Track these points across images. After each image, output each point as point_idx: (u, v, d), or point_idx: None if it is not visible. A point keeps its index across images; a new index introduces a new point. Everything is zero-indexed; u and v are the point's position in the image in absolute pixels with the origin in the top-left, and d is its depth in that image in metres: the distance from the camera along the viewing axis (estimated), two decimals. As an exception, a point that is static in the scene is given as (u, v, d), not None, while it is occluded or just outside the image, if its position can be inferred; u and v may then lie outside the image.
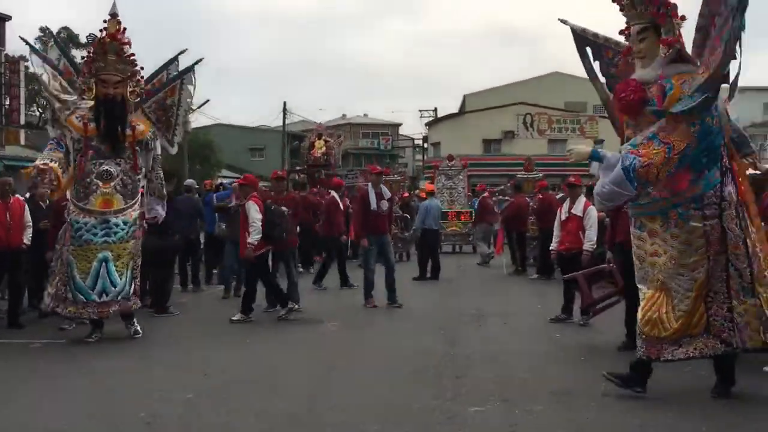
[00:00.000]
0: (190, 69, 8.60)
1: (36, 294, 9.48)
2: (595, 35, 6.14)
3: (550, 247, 9.40)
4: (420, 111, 54.63)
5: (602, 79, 6.26)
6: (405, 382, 5.95)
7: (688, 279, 5.18)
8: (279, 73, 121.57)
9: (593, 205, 8.50)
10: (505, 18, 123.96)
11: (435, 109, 52.53)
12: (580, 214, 8.81)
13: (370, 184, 10.49)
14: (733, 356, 5.37)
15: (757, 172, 6.84)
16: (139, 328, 7.85)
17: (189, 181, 12.74)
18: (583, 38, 6.24)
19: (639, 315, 5.43)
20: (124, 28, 7.94)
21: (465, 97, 49.46)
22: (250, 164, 47.81)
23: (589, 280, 8.09)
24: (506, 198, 18.11)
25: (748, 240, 5.21)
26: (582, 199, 8.88)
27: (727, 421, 4.97)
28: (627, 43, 5.68)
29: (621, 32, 5.62)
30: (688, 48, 5.38)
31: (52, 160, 7.52)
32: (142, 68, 8.20)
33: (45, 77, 8.23)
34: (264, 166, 44.45)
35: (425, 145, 53.13)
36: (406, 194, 20.12)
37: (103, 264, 7.52)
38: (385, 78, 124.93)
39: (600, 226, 8.82)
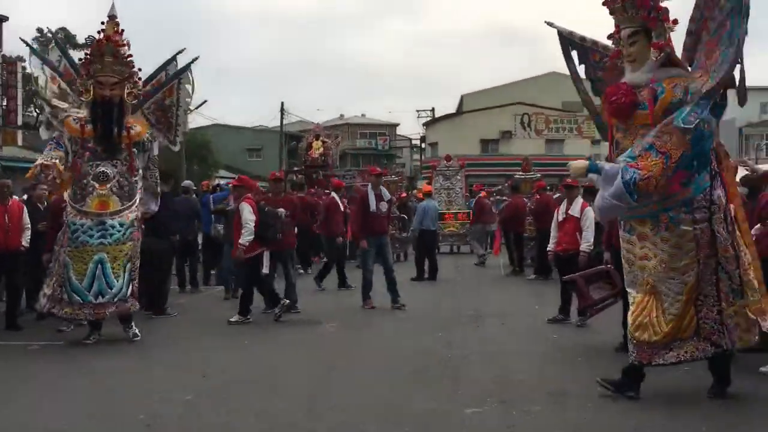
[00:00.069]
0: (186, 68, 8.61)
1: (34, 296, 9.49)
2: (583, 38, 6.13)
3: (547, 248, 9.42)
4: (417, 111, 54.75)
5: (588, 83, 6.28)
6: (403, 382, 5.97)
7: (679, 282, 5.19)
8: (277, 73, 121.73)
9: (590, 206, 8.53)
10: (505, 18, 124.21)
11: (432, 109, 52.64)
12: (577, 215, 8.83)
13: (369, 185, 10.50)
14: (728, 357, 5.39)
15: (752, 172, 6.88)
16: (137, 331, 7.83)
17: (186, 183, 12.76)
18: (569, 41, 6.23)
19: (629, 320, 5.44)
20: (122, 30, 7.95)
21: (462, 97, 49.51)
22: (247, 165, 47.84)
23: (587, 281, 8.10)
24: (504, 198, 18.16)
25: (735, 243, 5.23)
26: (579, 200, 8.90)
27: (726, 421, 5.00)
28: (614, 46, 5.70)
29: (610, 36, 5.64)
30: (678, 52, 5.40)
31: (52, 158, 7.52)
32: (140, 69, 8.21)
33: (42, 80, 8.22)
34: (262, 167, 44.46)
35: (423, 146, 53.19)
36: (404, 195, 20.16)
37: (99, 265, 7.52)
38: (384, 78, 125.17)
39: (597, 227, 8.84)
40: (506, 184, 20.01)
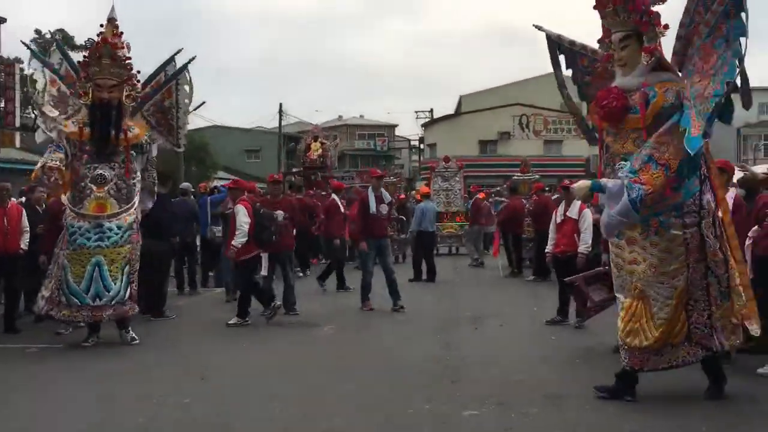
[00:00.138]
0: (183, 69, 8.60)
1: (32, 298, 9.48)
2: (572, 42, 6.12)
3: (546, 250, 9.42)
4: (416, 112, 54.83)
5: (575, 88, 6.27)
6: (401, 385, 5.96)
7: (668, 287, 5.19)
8: (276, 74, 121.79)
9: (588, 208, 8.54)
10: (505, 18, 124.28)
11: (431, 110, 52.67)
12: (575, 216, 8.84)
13: (370, 187, 10.51)
14: (719, 357, 5.42)
15: (746, 173, 6.88)
16: (134, 335, 7.81)
17: (185, 185, 12.77)
18: (557, 45, 6.20)
19: (620, 326, 5.43)
20: (121, 33, 7.95)
21: (461, 97, 49.53)
22: (246, 166, 47.82)
23: (586, 282, 8.11)
24: (502, 199, 18.16)
25: (723, 247, 5.25)
26: (577, 202, 8.90)
27: (725, 421, 5.01)
28: (602, 51, 5.70)
29: (600, 40, 5.64)
30: (667, 57, 5.41)
31: (52, 160, 7.52)
32: (138, 72, 8.21)
33: (40, 83, 8.21)
34: (260, 168, 44.44)
35: (421, 147, 53.20)
36: (403, 196, 20.17)
37: (96, 268, 7.52)
38: (383, 78, 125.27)
39: (595, 229, 8.84)
40: (505, 186, 20.03)
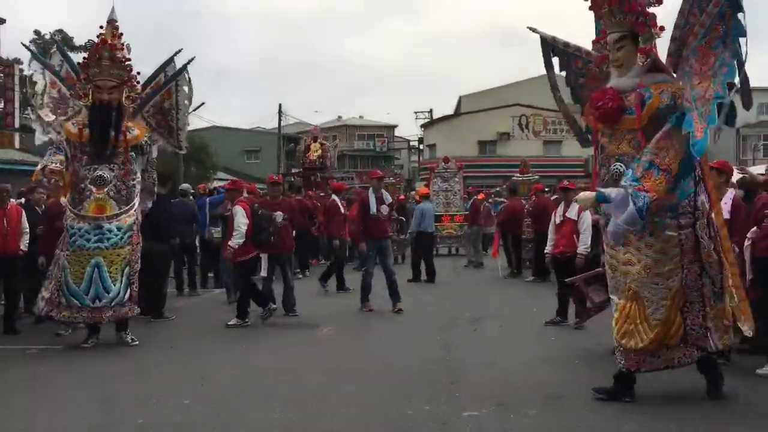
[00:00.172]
0: (183, 70, 8.59)
1: (32, 299, 9.49)
2: (566, 44, 6.10)
3: (545, 251, 9.43)
4: (415, 113, 54.86)
5: (568, 90, 6.26)
6: (401, 386, 5.97)
7: (663, 288, 5.19)
8: (275, 75, 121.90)
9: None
10: (505, 18, 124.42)
11: (430, 111, 52.72)
12: (574, 217, 8.84)
13: (370, 188, 10.52)
14: (715, 356, 5.45)
15: (746, 175, 6.89)
16: (133, 337, 7.81)
17: (184, 186, 12.77)
18: (551, 47, 6.18)
19: (614, 327, 5.45)
20: (121, 34, 7.95)
21: (460, 98, 49.55)
22: (245, 167, 47.80)
23: (585, 283, 8.12)
24: (502, 200, 18.18)
25: (717, 248, 5.26)
26: (576, 204, 8.91)
27: (724, 422, 5.02)
28: (596, 53, 5.70)
29: (594, 41, 5.65)
30: (662, 58, 5.41)
31: (52, 162, 7.52)
32: (138, 73, 8.21)
33: (40, 85, 8.21)
34: (260, 169, 44.43)
35: (421, 147, 53.24)
36: (402, 197, 20.18)
37: (96, 269, 7.52)
38: (383, 79, 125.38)
39: (594, 230, 8.85)
40: (504, 186, 20.04)
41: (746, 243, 6.35)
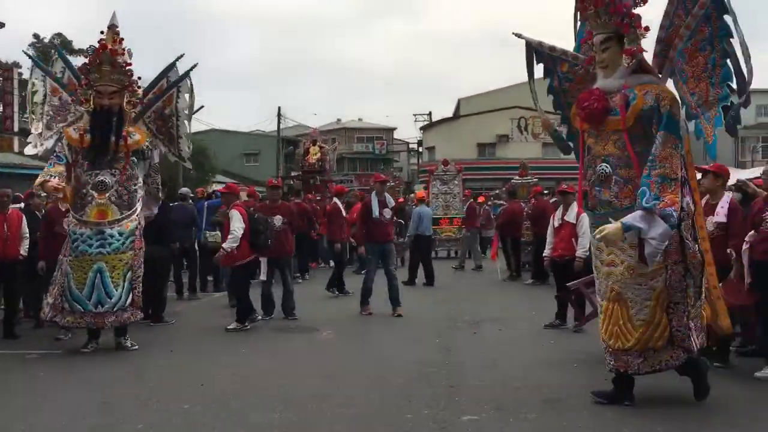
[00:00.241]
0: (185, 76, 8.57)
1: (30, 304, 9.50)
2: (552, 48, 6.08)
3: (543, 254, 9.44)
4: (414, 115, 54.93)
5: (551, 98, 6.28)
6: (399, 390, 5.98)
7: (647, 288, 5.20)
8: (274, 77, 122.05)
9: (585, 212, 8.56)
10: (505, 20, 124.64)
11: (429, 113, 52.80)
12: (573, 221, 8.86)
13: (373, 192, 10.53)
14: (697, 356, 5.44)
15: (749, 189, 6.90)
16: (132, 342, 7.82)
17: (184, 190, 12.80)
18: (536, 53, 6.14)
19: (601, 329, 5.48)
20: (122, 39, 7.96)
21: (459, 101, 49.61)
22: (244, 170, 47.87)
23: (587, 286, 8.14)
24: (501, 203, 18.21)
25: (701, 249, 5.29)
26: (575, 206, 8.92)
27: (724, 424, 5.04)
28: (583, 56, 5.72)
29: (582, 42, 5.67)
30: (649, 59, 5.44)
31: (51, 175, 7.52)
32: (139, 78, 8.21)
33: (40, 95, 8.21)
34: (259, 172, 44.49)
35: (420, 150, 53.28)
36: (401, 200, 20.21)
37: (98, 275, 7.53)
38: (382, 81, 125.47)
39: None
40: (503, 189, 20.05)
41: (744, 246, 6.37)
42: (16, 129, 25.47)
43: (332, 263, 15.90)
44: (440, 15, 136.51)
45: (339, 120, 62.30)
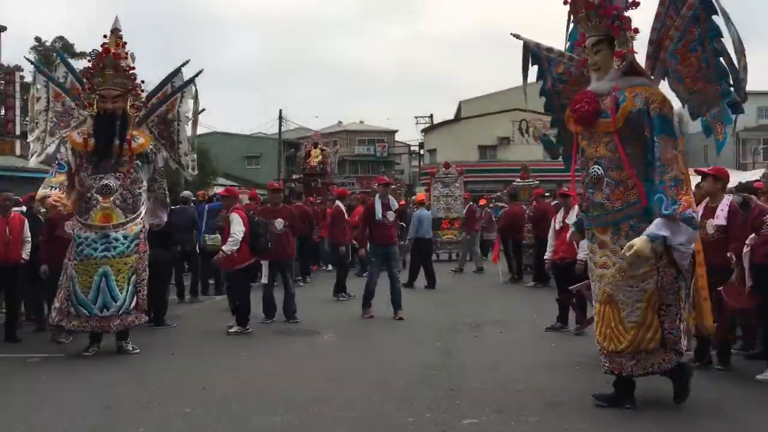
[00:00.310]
0: (190, 82, 8.55)
1: (32, 308, 9.51)
2: (549, 49, 6.12)
3: (545, 257, 9.44)
4: (416, 117, 54.92)
5: (543, 99, 6.29)
6: (400, 393, 5.98)
7: (638, 290, 5.21)
8: (276, 80, 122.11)
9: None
10: (505, 19, 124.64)
11: (431, 116, 52.80)
12: (573, 223, 8.85)
13: (377, 194, 10.53)
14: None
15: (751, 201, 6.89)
16: (134, 345, 7.81)
17: (186, 193, 12.81)
18: (533, 55, 6.15)
19: (596, 330, 5.51)
20: (125, 43, 7.97)
21: (461, 103, 49.62)
22: (246, 172, 47.89)
23: (588, 289, 8.13)
24: (502, 205, 18.20)
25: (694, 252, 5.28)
26: (575, 209, 8.91)
27: (725, 428, 5.05)
28: (579, 57, 5.74)
29: (576, 45, 5.70)
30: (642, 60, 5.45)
31: (52, 187, 7.53)
32: (142, 81, 8.22)
33: (42, 102, 8.20)
34: (260, 175, 44.52)
35: (421, 152, 53.27)
36: (403, 202, 20.21)
37: (103, 278, 7.53)
38: (383, 81, 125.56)
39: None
40: (505, 192, 20.05)
41: (745, 250, 6.37)
42: (17, 132, 25.50)
43: (330, 267, 15.98)
44: (440, 15, 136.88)
45: (340, 122, 62.34)
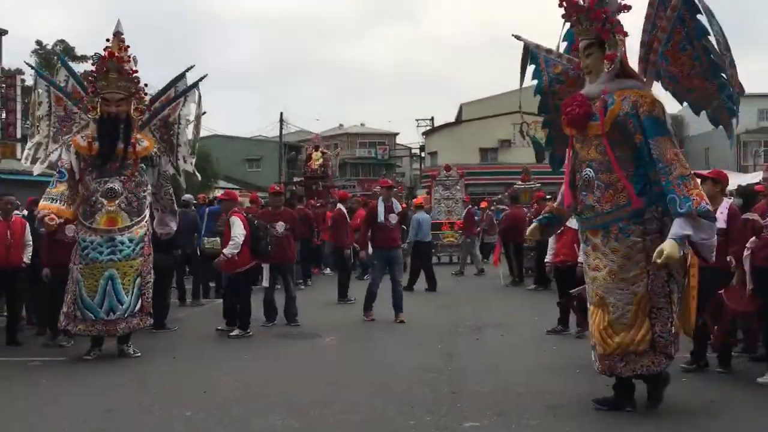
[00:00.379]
0: (193, 86, 8.56)
1: (33, 311, 9.52)
2: (549, 50, 6.12)
3: (545, 260, 9.44)
4: (417, 120, 54.88)
5: (537, 100, 6.31)
6: (401, 396, 5.98)
7: (628, 293, 5.21)
8: (277, 83, 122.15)
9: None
10: (505, 19, 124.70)
11: (432, 118, 52.80)
12: (574, 226, 8.79)
13: (380, 197, 10.54)
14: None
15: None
16: (135, 349, 7.82)
17: (187, 196, 12.80)
18: (532, 55, 6.15)
19: (591, 331, 5.54)
20: (127, 46, 7.98)
21: (461, 105, 49.65)
22: (246, 175, 47.92)
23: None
24: (503, 207, 18.22)
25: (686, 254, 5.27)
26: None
27: (726, 431, 5.03)
28: (577, 59, 5.76)
29: (573, 48, 5.72)
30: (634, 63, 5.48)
31: (53, 199, 7.54)
32: (145, 84, 8.23)
33: (44, 107, 8.21)
34: (261, 177, 44.53)
35: (422, 155, 53.29)
36: (404, 205, 20.21)
37: (110, 282, 7.54)
38: (383, 82, 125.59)
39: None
40: (506, 194, 20.06)
41: (745, 253, 6.37)
42: (18, 135, 25.55)
43: (328, 270, 15.99)
44: (440, 15, 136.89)
45: (341, 125, 62.38)
